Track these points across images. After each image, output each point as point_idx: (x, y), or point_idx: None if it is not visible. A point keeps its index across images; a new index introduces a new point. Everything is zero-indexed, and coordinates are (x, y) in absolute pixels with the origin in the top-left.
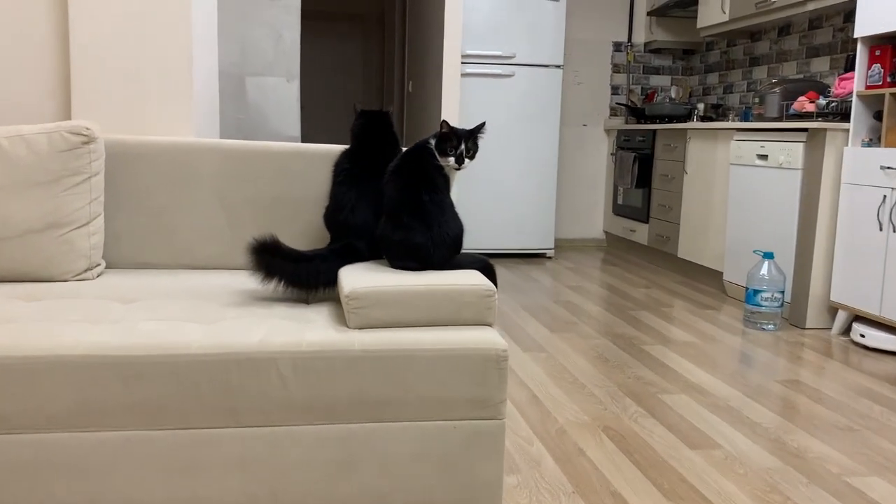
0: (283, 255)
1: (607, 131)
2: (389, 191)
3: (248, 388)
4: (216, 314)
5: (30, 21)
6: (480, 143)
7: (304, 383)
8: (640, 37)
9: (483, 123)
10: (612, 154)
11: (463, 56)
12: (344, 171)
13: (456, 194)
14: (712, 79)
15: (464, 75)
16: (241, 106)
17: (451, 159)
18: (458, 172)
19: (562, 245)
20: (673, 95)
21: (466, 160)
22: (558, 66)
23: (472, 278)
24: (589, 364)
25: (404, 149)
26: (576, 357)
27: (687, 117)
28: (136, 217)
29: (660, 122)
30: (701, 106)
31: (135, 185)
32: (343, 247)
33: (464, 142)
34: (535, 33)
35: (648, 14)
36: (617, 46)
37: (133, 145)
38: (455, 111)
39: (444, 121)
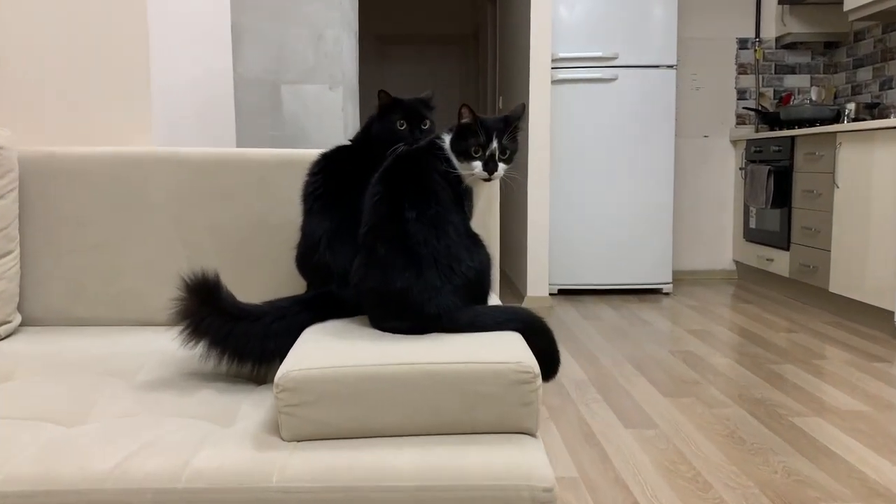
0: (218, 307)
1: (734, 142)
2: (365, 212)
3: None
4: (99, 407)
5: None
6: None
7: None
8: (770, 31)
9: (522, 106)
10: (741, 169)
11: (555, 60)
12: (310, 194)
13: (545, 220)
14: (864, 74)
15: (556, 82)
16: (276, 119)
17: (478, 164)
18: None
19: (682, 278)
20: (814, 97)
21: (501, 166)
22: (670, 67)
23: (498, 349)
24: (716, 448)
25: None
26: (698, 436)
27: (834, 120)
28: (66, 255)
29: (800, 128)
30: (851, 106)
31: (64, 212)
32: (316, 297)
33: (496, 137)
34: (642, 30)
35: (780, 3)
36: (742, 43)
37: (62, 159)
38: (545, 122)
39: (464, 105)
